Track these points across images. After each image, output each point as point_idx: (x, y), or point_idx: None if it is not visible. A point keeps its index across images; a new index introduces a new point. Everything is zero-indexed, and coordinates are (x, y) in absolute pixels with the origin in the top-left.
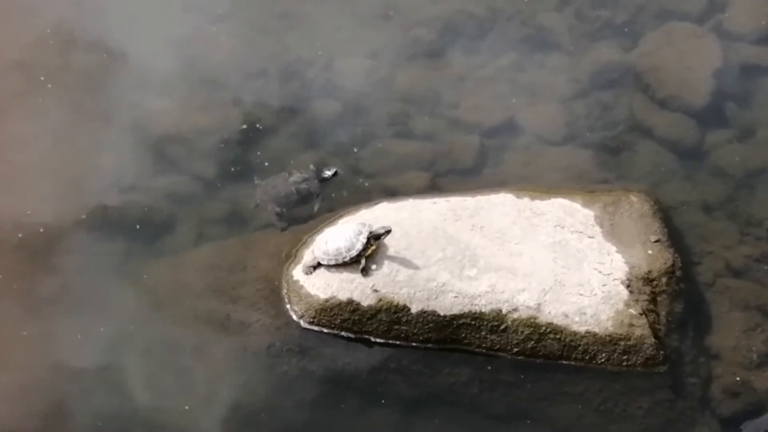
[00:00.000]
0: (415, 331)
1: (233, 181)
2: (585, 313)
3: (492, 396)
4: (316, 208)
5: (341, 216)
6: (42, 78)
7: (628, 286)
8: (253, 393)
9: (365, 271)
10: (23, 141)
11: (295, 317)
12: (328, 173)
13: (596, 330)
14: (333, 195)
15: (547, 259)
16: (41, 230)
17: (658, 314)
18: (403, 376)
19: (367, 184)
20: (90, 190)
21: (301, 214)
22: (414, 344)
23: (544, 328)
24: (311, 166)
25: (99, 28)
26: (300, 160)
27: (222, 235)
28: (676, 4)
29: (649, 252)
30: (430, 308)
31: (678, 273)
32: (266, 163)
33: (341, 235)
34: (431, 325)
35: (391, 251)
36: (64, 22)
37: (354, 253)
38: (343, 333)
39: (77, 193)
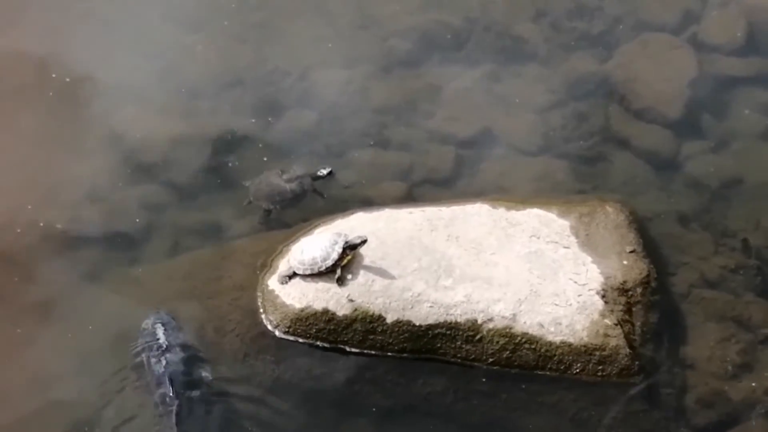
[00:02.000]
0: (391, 341)
1: (209, 190)
2: (560, 324)
3: (467, 406)
4: (321, 202)
5: (317, 226)
6: (16, 87)
7: (603, 297)
8: (227, 403)
9: (341, 281)
10: None
11: (270, 327)
12: (323, 172)
13: (571, 340)
14: (331, 194)
15: (522, 269)
16: (13, 239)
17: (633, 325)
18: (378, 386)
19: (343, 194)
20: (65, 199)
21: (293, 213)
22: (389, 354)
23: (519, 338)
24: (321, 168)
25: (75, 37)
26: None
27: (197, 245)
28: (651, 15)
29: (625, 262)
30: (406, 318)
31: (653, 284)
32: (265, 158)
33: (317, 244)
34: (406, 335)
35: (366, 261)
36: (40, 31)
37: (329, 262)
38: (318, 343)
39: (52, 203)
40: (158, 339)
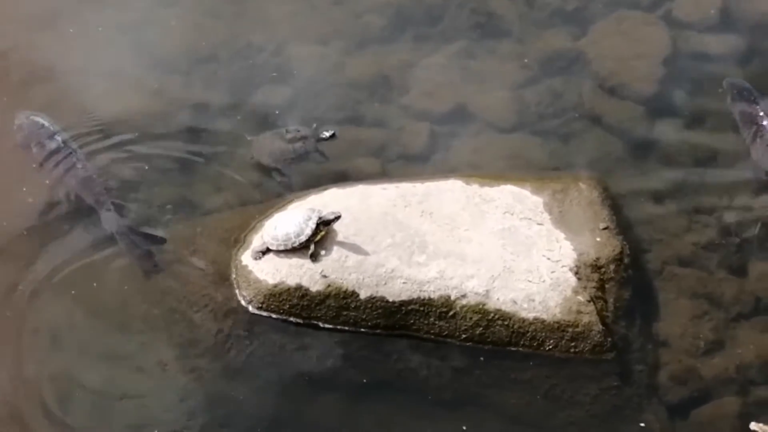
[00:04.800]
0: (364, 317)
1: (182, 165)
2: (533, 300)
3: (440, 382)
4: (308, 162)
5: (290, 201)
6: None
7: (576, 273)
8: (200, 379)
9: (314, 257)
10: None
11: (243, 302)
12: (326, 134)
13: (544, 317)
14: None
15: (496, 245)
16: None
17: (605, 301)
18: (352, 362)
19: (316, 170)
20: (35, 174)
21: (295, 172)
22: (362, 330)
23: (492, 314)
24: (314, 125)
25: (47, 9)
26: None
27: (170, 221)
28: None
29: (598, 239)
30: (379, 294)
31: (626, 260)
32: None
33: (290, 220)
34: (380, 311)
35: (340, 237)
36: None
37: (303, 238)
38: (291, 319)
39: (24, 179)
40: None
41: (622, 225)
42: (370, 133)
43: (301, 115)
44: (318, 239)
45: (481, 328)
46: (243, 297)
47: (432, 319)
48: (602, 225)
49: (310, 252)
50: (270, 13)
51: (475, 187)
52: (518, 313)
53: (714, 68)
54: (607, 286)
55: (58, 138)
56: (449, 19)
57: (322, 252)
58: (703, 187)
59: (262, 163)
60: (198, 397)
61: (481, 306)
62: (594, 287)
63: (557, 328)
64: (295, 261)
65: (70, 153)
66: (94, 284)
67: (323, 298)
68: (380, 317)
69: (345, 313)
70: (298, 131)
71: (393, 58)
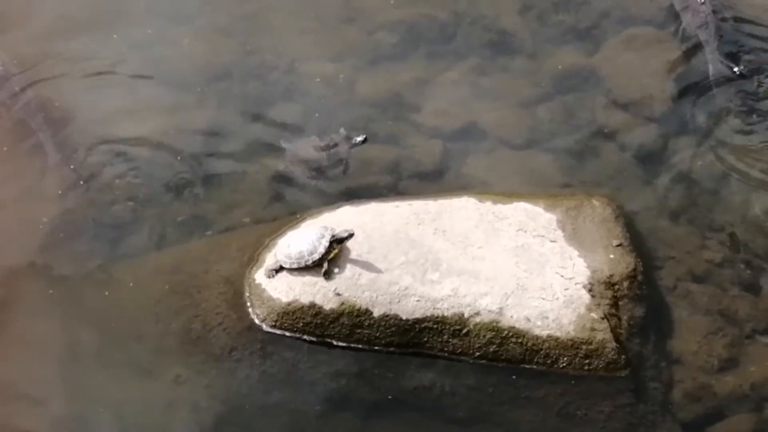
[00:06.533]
0: (377, 334)
1: (195, 184)
2: (547, 317)
3: (454, 400)
4: (344, 171)
5: (303, 219)
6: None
7: (590, 291)
8: (214, 397)
9: (327, 275)
10: None
11: (257, 321)
12: (358, 139)
13: (558, 334)
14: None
15: (509, 263)
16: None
17: (619, 318)
18: (365, 380)
19: (329, 188)
20: (52, 191)
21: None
22: (376, 348)
23: (506, 332)
24: (342, 131)
25: (60, 29)
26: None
27: (184, 238)
28: (639, 10)
29: (611, 256)
30: (393, 312)
31: (640, 277)
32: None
33: (304, 238)
34: (393, 328)
35: (353, 255)
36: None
37: (316, 256)
38: (305, 336)
39: (40, 193)
40: None
41: (635, 242)
42: (383, 150)
43: (312, 134)
44: (331, 257)
45: (494, 346)
46: (257, 315)
47: (446, 336)
48: (616, 242)
49: (323, 270)
50: (282, 31)
51: (488, 205)
52: (532, 330)
53: (726, 85)
54: (620, 303)
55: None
56: (462, 37)
57: (336, 270)
58: (716, 204)
59: (297, 171)
60: (211, 414)
61: (494, 323)
62: (608, 304)
63: (571, 345)
64: (308, 279)
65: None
66: (109, 300)
67: (337, 316)
68: (394, 335)
69: (358, 331)
70: (331, 138)
71: (405, 75)
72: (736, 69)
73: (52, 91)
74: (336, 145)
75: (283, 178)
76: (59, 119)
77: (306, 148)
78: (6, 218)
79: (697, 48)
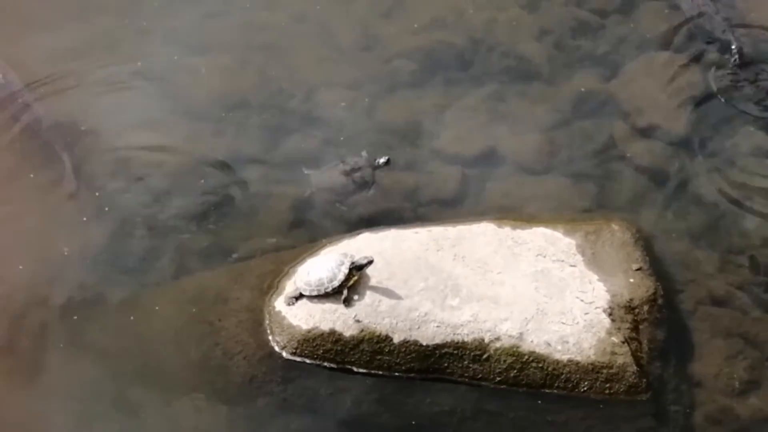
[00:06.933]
0: (398, 361)
1: (214, 212)
2: (567, 342)
3: (475, 426)
4: (370, 192)
5: (323, 246)
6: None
7: (610, 315)
8: (236, 425)
9: (347, 302)
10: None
11: (277, 348)
12: (381, 161)
13: (578, 358)
14: (365, 199)
15: (529, 288)
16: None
17: (640, 342)
18: (386, 407)
19: (349, 214)
20: (69, 224)
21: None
22: (396, 374)
23: (526, 356)
24: (364, 154)
25: (79, 54)
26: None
27: (203, 267)
28: (655, 34)
29: (631, 280)
30: (413, 338)
31: (660, 301)
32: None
33: (323, 265)
34: (414, 354)
35: (373, 281)
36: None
37: (336, 283)
38: (325, 363)
39: (58, 229)
40: None
41: (655, 265)
42: (402, 177)
43: (331, 161)
44: (351, 284)
45: (515, 371)
46: (277, 343)
47: (466, 362)
48: (635, 266)
49: (343, 297)
50: (300, 60)
51: (507, 230)
52: (552, 355)
53: (746, 108)
54: (641, 326)
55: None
56: (479, 63)
57: (355, 297)
58: (735, 227)
59: (324, 197)
60: None
61: (515, 348)
62: (628, 328)
63: (592, 369)
64: (328, 306)
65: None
66: (130, 330)
67: (357, 342)
68: (414, 361)
69: (379, 357)
70: (354, 162)
71: (424, 102)
72: (734, 46)
73: (70, 116)
74: (360, 168)
75: (303, 205)
76: (79, 146)
77: (331, 173)
78: (28, 249)
79: (713, 69)
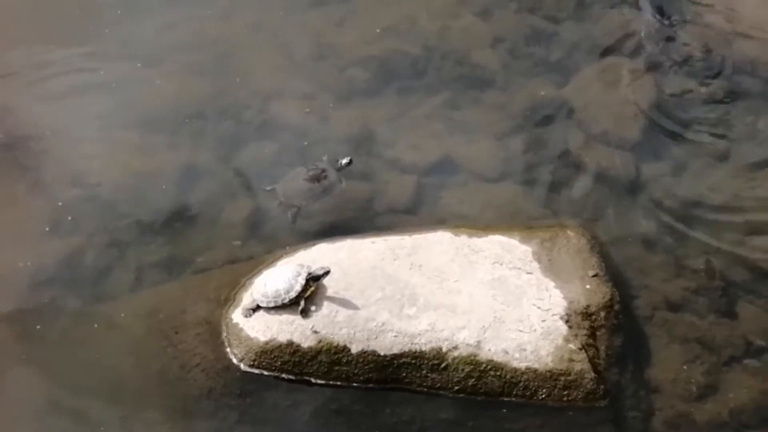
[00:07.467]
0: (356, 371)
1: (170, 224)
2: (525, 350)
3: None
4: (342, 185)
5: (280, 257)
6: None
7: (567, 321)
8: None
9: (305, 313)
10: None
11: (235, 360)
12: (343, 162)
13: (536, 366)
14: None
15: (486, 296)
16: None
17: (597, 349)
18: (345, 418)
19: (304, 225)
20: (25, 237)
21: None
22: (355, 385)
23: (484, 365)
24: (324, 158)
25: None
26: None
27: (160, 279)
28: (609, 40)
29: (588, 287)
30: (370, 348)
31: (616, 307)
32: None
33: (280, 276)
34: (372, 365)
35: (330, 292)
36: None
37: (293, 294)
38: (283, 375)
39: (14, 241)
40: None
41: (611, 271)
42: (357, 186)
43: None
44: (308, 295)
45: (473, 380)
46: (234, 355)
47: (424, 371)
48: (591, 272)
49: (300, 308)
50: (255, 70)
51: (463, 238)
52: (510, 363)
53: (698, 113)
54: (598, 333)
55: None
56: (433, 71)
57: (313, 308)
58: (690, 232)
59: (294, 203)
60: None
61: (472, 357)
62: (585, 335)
63: (549, 376)
64: (285, 317)
65: None
66: (88, 344)
67: (315, 353)
68: (372, 371)
69: (337, 368)
70: (316, 167)
71: (378, 111)
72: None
73: (23, 128)
74: (324, 170)
75: (259, 217)
76: (35, 158)
77: (296, 181)
78: None
79: (669, 77)
